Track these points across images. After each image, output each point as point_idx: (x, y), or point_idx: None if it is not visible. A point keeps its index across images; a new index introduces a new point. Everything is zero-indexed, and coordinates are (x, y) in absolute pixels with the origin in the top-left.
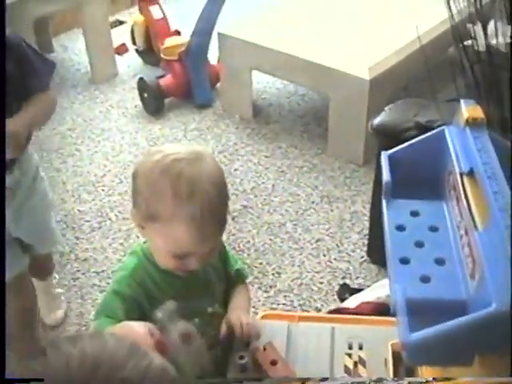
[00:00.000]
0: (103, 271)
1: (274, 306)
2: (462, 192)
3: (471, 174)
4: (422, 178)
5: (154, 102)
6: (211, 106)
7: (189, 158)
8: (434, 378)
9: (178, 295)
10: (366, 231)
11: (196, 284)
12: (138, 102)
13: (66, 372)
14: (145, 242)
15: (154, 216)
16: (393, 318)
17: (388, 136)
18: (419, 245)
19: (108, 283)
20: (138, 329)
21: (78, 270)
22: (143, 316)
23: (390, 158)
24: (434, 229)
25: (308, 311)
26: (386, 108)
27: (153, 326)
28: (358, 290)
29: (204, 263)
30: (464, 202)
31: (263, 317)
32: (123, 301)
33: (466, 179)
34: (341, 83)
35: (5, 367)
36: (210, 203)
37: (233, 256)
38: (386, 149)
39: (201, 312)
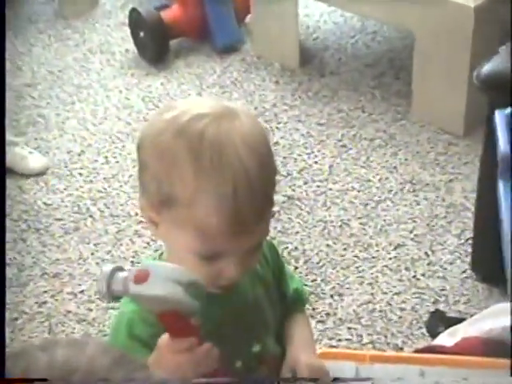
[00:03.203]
0: (82, 292)
1: (334, 342)
2: None
3: None
4: None
5: (154, 44)
6: (238, 50)
7: (214, 114)
8: None
9: (211, 326)
10: (470, 233)
11: (237, 308)
12: (131, 46)
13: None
14: (161, 255)
15: (169, 199)
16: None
17: (503, 91)
18: None
19: (90, 310)
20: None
21: (46, 291)
22: None
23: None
24: None
25: (384, 350)
26: (499, 49)
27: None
28: (458, 321)
29: (244, 270)
30: None
31: (319, 356)
32: (143, 346)
33: None
34: (431, 14)
35: (5, 367)
36: (246, 175)
37: (288, 269)
38: (501, 108)
39: (244, 352)
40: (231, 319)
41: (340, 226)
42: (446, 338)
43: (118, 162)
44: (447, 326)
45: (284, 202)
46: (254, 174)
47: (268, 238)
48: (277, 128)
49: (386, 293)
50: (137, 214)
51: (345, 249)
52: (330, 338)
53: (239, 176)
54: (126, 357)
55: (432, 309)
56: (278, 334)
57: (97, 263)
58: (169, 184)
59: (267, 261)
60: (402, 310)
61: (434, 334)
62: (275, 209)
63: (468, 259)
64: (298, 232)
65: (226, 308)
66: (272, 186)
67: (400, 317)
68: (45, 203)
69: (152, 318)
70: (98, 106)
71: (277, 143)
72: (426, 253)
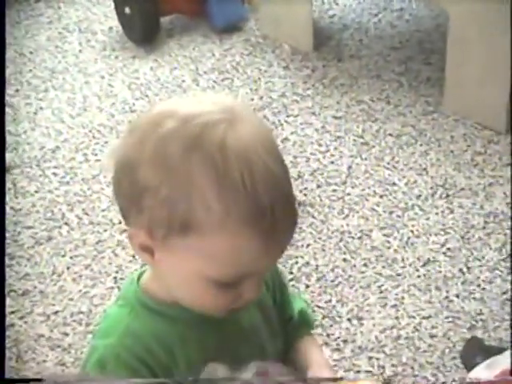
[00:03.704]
0: (57, 313)
1: (352, 374)
2: None
3: None
4: None
5: (143, 22)
6: (241, 30)
7: (226, 118)
8: None
9: (203, 356)
10: None
11: (230, 337)
12: (115, 23)
13: None
14: (139, 277)
15: (187, 226)
16: None
17: None
18: None
19: (66, 334)
20: None
21: (13, 312)
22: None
23: None
24: None
25: None
26: None
27: None
28: (498, 350)
29: (262, 288)
30: None
31: None
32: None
33: None
34: None
35: (5, 367)
36: (279, 186)
37: (290, 289)
38: None
39: None
40: (224, 349)
41: (359, 238)
42: (484, 371)
43: (98, 160)
44: (485, 357)
45: None
46: (283, 182)
47: None
48: (286, 122)
49: (413, 317)
50: (120, 222)
51: (365, 264)
52: (348, 370)
53: (273, 189)
54: None
55: (468, 336)
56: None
57: (73, 279)
58: (187, 209)
59: (267, 283)
60: (432, 336)
61: (469, 366)
62: None
63: (510, 277)
64: (309, 244)
65: (218, 337)
66: (292, 188)
67: (430, 345)
68: (12, 208)
69: (128, 358)
70: (76, 95)
71: (286, 139)
72: (460, 270)
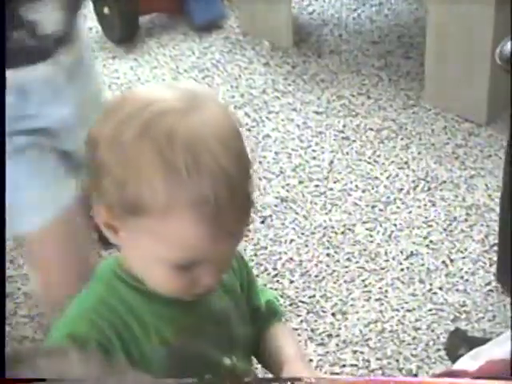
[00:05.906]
0: (40, 314)
1: (337, 368)
2: None
3: None
4: None
5: (122, 21)
6: (221, 27)
7: (181, 107)
8: None
9: (176, 334)
10: (494, 239)
11: (205, 318)
12: (94, 23)
13: None
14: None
15: (136, 208)
16: None
17: None
18: None
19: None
20: None
21: None
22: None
23: None
24: None
25: (395, 377)
26: None
27: None
28: (482, 341)
29: (221, 276)
30: None
31: None
32: (82, 347)
33: None
34: None
35: (5, 367)
36: (226, 177)
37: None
38: None
39: (214, 364)
40: (195, 330)
41: (342, 233)
42: (468, 362)
43: None
44: (469, 348)
45: (276, 206)
46: (232, 173)
47: (258, 246)
48: (267, 118)
49: (397, 310)
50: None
51: (348, 259)
52: (332, 364)
53: (218, 179)
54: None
55: (451, 327)
56: (250, 351)
57: None
58: (136, 192)
59: (234, 272)
60: (416, 329)
61: (453, 357)
62: (265, 214)
63: (493, 269)
64: (293, 240)
65: (190, 317)
66: (250, 181)
67: (414, 337)
68: None
69: (103, 325)
70: None
71: (268, 136)
72: (443, 262)
